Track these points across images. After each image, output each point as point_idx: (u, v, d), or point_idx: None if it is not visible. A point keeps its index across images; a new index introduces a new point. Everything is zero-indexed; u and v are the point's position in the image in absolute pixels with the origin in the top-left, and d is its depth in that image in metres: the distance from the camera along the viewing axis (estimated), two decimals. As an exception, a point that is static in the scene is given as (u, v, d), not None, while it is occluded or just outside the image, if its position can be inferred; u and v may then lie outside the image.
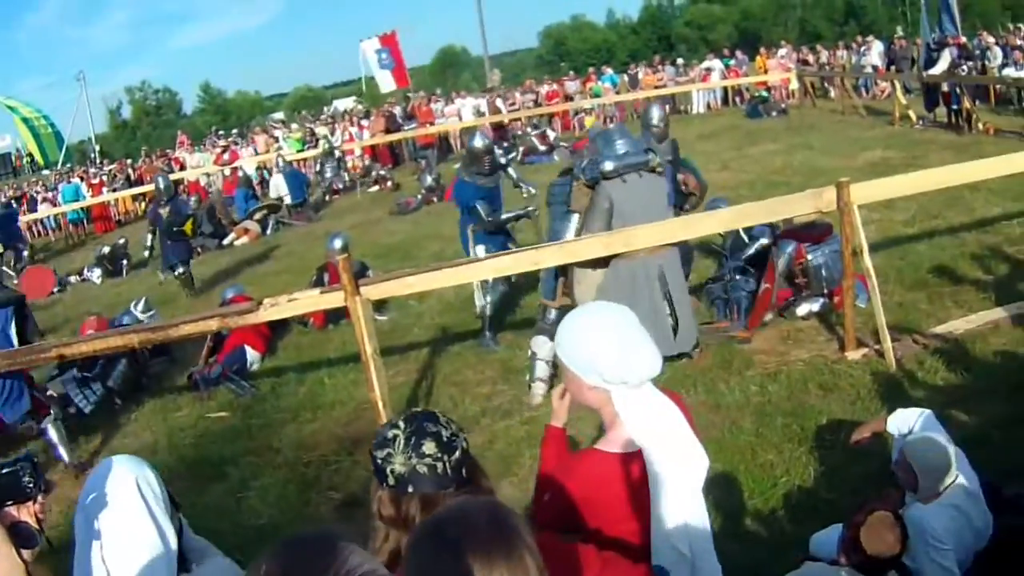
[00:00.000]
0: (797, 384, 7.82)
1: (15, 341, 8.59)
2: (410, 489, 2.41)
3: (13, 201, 31.64)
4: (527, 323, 9.92)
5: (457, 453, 2.45)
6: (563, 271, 8.37)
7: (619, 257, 8.01)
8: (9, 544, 2.51)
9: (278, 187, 24.92)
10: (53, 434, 8.61)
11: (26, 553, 2.55)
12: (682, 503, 2.91)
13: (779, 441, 6.82)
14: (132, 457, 3.06)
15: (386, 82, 34.26)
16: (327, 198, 26.56)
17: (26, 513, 2.58)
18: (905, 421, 5.09)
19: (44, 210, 31.69)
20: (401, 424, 2.48)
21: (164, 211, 16.27)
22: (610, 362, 2.85)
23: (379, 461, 2.44)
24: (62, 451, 8.59)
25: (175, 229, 16.02)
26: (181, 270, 16.26)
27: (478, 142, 10.87)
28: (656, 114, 10.52)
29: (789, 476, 6.31)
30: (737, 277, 9.65)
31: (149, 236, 16.85)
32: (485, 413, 8.37)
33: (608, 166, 7.98)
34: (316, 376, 10.19)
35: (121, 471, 2.90)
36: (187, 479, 8.06)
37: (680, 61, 38.44)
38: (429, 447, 2.41)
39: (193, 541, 3.12)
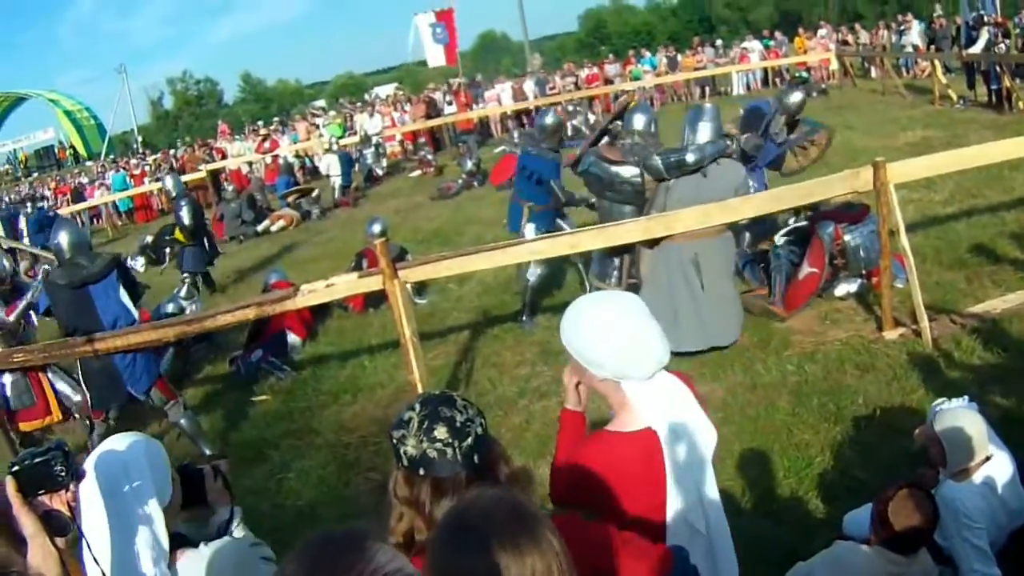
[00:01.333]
0: (834, 364, 7.82)
1: (130, 304, 8.54)
2: (421, 472, 2.43)
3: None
4: (566, 305, 9.96)
5: (469, 439, 2.45)
6: (619, 255, 8.44)
7: (664, 240, 8.09)
8: (43, 533, 2.54)
9: (330, 166, 25.01)
10: (187, 426, 8.61)
11: (59, 541, 2.59)
12: (696, 480, 2.93)
13: (815, 421, 6.83)
14: (132, 433, 3.15)
15: (435, 57, 34.26)
16: (366, 184, 26.64)
17: (58, 501, 2.61)
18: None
19: (100, 196, 32.00)
20: (417, 407, 2.50)
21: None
22: (618, 360, 2.88)
23: (394, 441, 2.48)
24: (201, 443, 8.56)
25: (167, 237, 15.89)
26: (184, 276, 15.33)
27: (550, 119, 10.76)
28: (798, 98, 10.69)
29: (824, 455, 6.32)
30: (779, 249, 9.60)
31: None
32: (523, 394, 8.44)
33: (690, 158, 8.04)
34: (357, 360, 10.31)
35: (142, 450, 3.00)
36: (228, 462, 8.17)
37: (719, 43, 38.22)
38: (440, 432, 2.43)
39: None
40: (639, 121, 8.75)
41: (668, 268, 8.18)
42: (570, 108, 29.03)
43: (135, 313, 8.59)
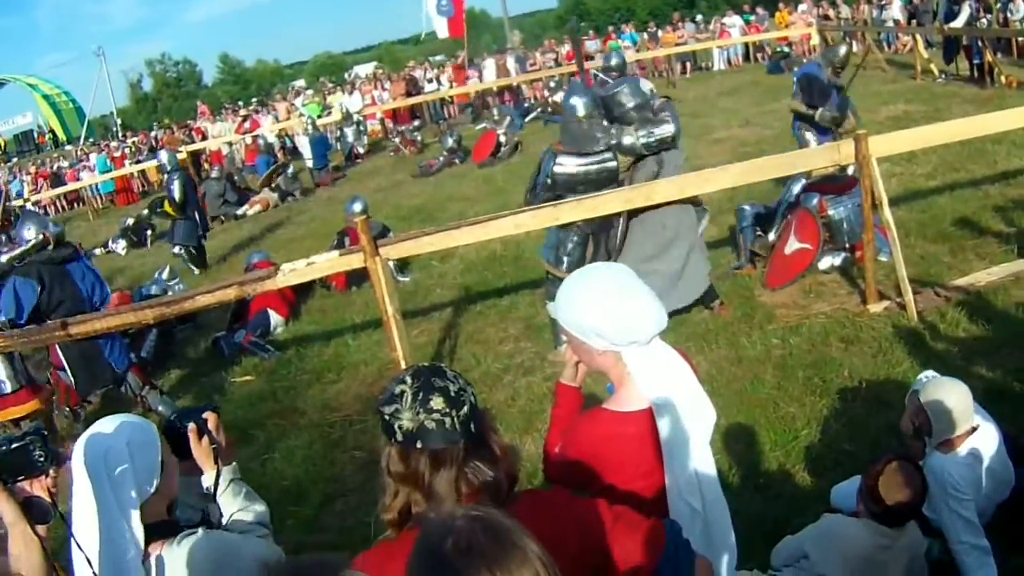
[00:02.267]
0: (819, 337, 7.81)
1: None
2: (418, 444, 2.39)
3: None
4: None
5: (465, 408, 2.43)
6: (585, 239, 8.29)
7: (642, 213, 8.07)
8: (24, 520, 2.50)
9: (302, 149, 25.00)
10: (165, 411, 8.61)
11: (40, 528, 2.55)
12: (693, 457, 2.91)
13: (800, 394, 6.83)
14: (122, 416, 3.11)
15: (441, 29, 34.11)
16: (347, 162, 26.55)
17: (38, 487, 2.57)
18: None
19: (87, 178, 31.87)
20: (408, 380, 2.45)
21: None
22: (618, 326, 2.84)
23: (387, 417, 2.42)
24: None
25: (157, 210, 15.95)
26: (175, 250, 16.11)
27: (613, 59, 11.47)
28: (843, 51, 11.75)
29: (810, 428, 6.32)
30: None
31: None
32: (508, 370, 8.43)
33: (669, 129, 7.97)
34: (340, 338, 10.27)
35: (126, 435, 2.96)
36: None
37: (700, 18, 38.07)
38: (437, 402, 2.39)
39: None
40: (580, 105, 8.26)
41: (657, 233, 8.15)
42: (551, 84, 28.96)
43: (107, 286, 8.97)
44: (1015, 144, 12.24)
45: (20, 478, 2.55)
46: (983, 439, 4.52)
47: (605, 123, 8.22)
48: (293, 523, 6.43)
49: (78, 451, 2.80)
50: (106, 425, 2.96)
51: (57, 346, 8.44)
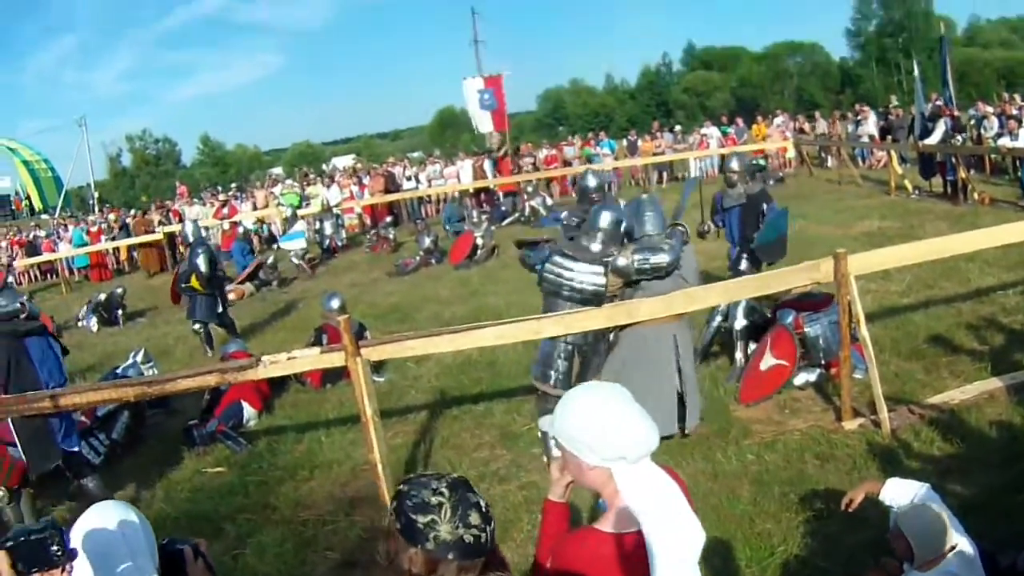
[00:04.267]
0: (794, 453, 7.84)
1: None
2: (450, 556, 2.46)
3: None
4: (526, 389, 9.95)
5: (492, 523, 2.54)
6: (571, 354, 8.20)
7: (636, 326, 8.07)
8: None
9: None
10: (97, 492, 8.50)
11: None
12: None
13: (776, 510, 6.84)
14: (119, 503, 3.13)
15: (484, 122, 34.51)
16: (324, 255, 26.58)
17: None
18: (901, 493, 5.11)
19: (63, 250, 31.97)
20: (446, 492, 2.52)
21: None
22: (608, 440, 2.88)
23: (420, 525, 2.47)
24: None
25: (183, 285, 15.71)
26: (196, 327, 15.57)
27: (591, 180, 10.46)
28: (735, 164, 12.08)
29: (786, 545, 6.32)
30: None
31: None
32: (483, 478, 8.33)
33: (666, 259, 7.88)
34: (314, 435, 10.18)
35: (133, 524, 2.99)
36: (183, 534, 8.02)
37: (678, 128, 38.47)
38: (475, 518, 2.48)
39: None
40: (605, 219, 8.07)
41: (641, 349, 8.14)
42: (528, 189, 29.10)
43: (65, 372, 8.84)
44: (987, 262, 12.47)
45: (34, 570, 2.55)
46: (961, 557, 4.55)
47: (624, 242, 8.15)
48: (265, 623, 6.36)
49: (80, 544, 2.81)
50: (102, 516, 3.02)
51: (11, 421, 8.20)
